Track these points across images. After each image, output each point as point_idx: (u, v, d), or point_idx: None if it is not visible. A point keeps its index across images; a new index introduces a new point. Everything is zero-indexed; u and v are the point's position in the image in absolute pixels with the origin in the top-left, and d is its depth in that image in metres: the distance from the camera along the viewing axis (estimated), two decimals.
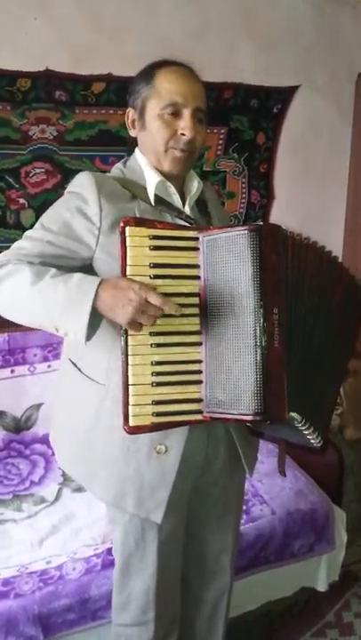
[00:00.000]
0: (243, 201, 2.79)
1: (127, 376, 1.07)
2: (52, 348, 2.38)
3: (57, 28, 2.27)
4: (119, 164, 1.32)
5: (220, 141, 2.66)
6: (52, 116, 2.36)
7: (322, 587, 2.00)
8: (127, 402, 1.07)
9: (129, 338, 1.06)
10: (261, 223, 1.11)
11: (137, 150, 1.30)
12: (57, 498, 1.97)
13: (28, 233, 1.20)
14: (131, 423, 1.07)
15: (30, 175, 2.38)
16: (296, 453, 2.17)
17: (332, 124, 2.89)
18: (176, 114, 1.19)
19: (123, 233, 1.06)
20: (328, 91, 2.83)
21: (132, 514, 1.28)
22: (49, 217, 1.21)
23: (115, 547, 1.41)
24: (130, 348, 1.06)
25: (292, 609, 2.02)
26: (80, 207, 1.17)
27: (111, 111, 2.44)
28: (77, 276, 1.09)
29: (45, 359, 2.36)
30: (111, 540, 1.72)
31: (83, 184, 1.19)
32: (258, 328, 1.06)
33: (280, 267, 1.10)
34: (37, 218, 2.43)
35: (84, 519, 1.84)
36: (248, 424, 1.21)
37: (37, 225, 1.21)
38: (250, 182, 2.80)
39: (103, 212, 1.15)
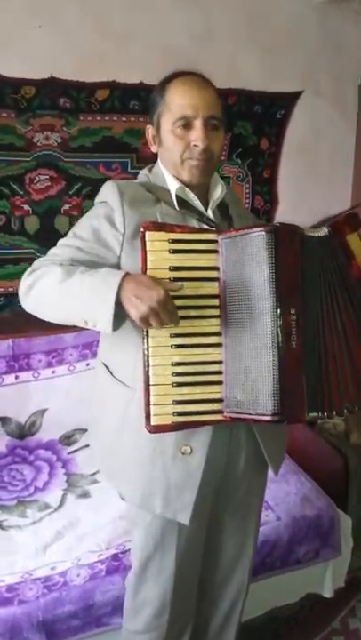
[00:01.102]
0: (246, 206, 2.80)
1: (148, 376, 1.10)
2: (56, 354, 2.38)
3: (61, 36, 2.29)
4: (145, 170, 1.36)
5: (224, 147, 2.67)
6: (56, 122, 2.37)
7: (328, 593, 1.98)
8: (148, 401, 1.10)
9: (150, 339, 1.09)
10: (278, 224, 1.11)
11: (159, 160, 1.33)
12: (61, 504, 1.96)
13: (61, 241, 1.27)
14: (152, 422, 1.10)
15: (34, 182, 2.39)
16: (301, 459, 2.16)
17: (335, 129, 2.89)
18: (188, 126, 1.21)
19: (143, 238, 1.09)
20: (331, 96, 2.83)
21: (155, 516, 1.29)
22: (80, 225, 1.26)
23: (133, 549, 1.42)
24: (150, 350, 1.10)
25: (297, 615, 2.00)
26: (107, 214, 1.21)
27: (115, 118, 2.45)
28: (104, 269, 1.13)
29: (49, 365, 2.37)
30: (116, 545, 1.73)
31: (107, 193, 1.24)
32: (275, 329, 1.07)
33: (297, 267, 1.11)
34: (41, 224, 2.48)
35: (89, 525, 1.84)
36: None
37: (70, 233, 1.26)
38: (253, 188, 2.80)
39: (126, 218, 1.19)
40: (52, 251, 1.25)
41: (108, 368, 1.33)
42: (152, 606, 1.39)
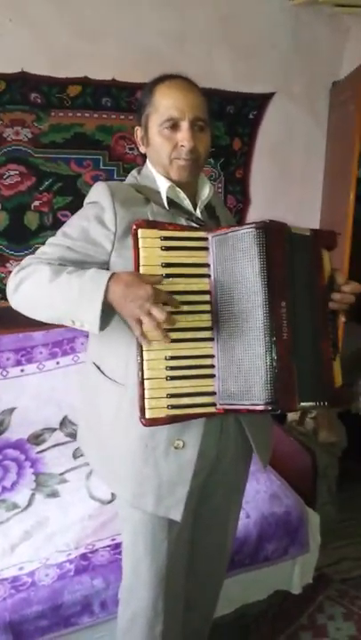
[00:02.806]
0: None
1: (142, 371, 1.12)
2: (25, 352, 2.36)
3: (33, 31, 2.27)
4: (134, 172, 1.37)
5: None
6: (26, 118, 2.35)
7: (296, 590, 2.00)
8: (143, 395, 1.12)
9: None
10: (268, 220, 1.14)
11: (148, 161, 1.35)
12: (29, 503, 1.94)
13: (50, 240, 1.27)
14: (147, 415, 1.12)
15: (4, 177, 2.36)
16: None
17: (307, 131, 2.92)
18: (175, 127, 1.24)
19: (135, 235, 1.11)
20: (303, 98, 2.86)
21: (145, 514, 1.29)
22: (70, 225, 1.27)
23: (124, 552, 1.41)
24: (144, 344, 1.11)
25: (266, 612, 2.02)
26: (97, 215, 1.22)
27: (87, 114, 2.44)
28: (91, 270, 1.14)
29: (18, 363, 2.34)
30: (85, 545, 1.72)
31: (98, 193, 1.25)
32: (266, 322, 1.10)
33: (286, 262, 1.14)
34: (11, 220, 2.45)
35: (58, 525, 1.82)
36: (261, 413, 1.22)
37: (59, 232, 1.27)
38: (226, 187, 2.82)
39: (118, 217, 1.20)
40: (42, 249, 1.25)
41: (98, 367, 1.34)
42: (145, 617, 1.38)
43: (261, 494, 1.95)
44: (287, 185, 2.95)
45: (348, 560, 2.32)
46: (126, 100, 2.47)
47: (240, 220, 2.85)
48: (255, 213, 2.88)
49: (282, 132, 2.87)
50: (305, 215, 2.98)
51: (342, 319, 1.27)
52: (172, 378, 1.13)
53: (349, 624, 2.00)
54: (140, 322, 1.06)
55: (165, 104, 1.24)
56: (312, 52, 2.82)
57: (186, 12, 2.50)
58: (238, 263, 1.14)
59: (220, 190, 2.79)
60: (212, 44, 2.59)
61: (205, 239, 1.18)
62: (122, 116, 2.48)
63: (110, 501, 1.91)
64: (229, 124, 2.74)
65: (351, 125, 2.61)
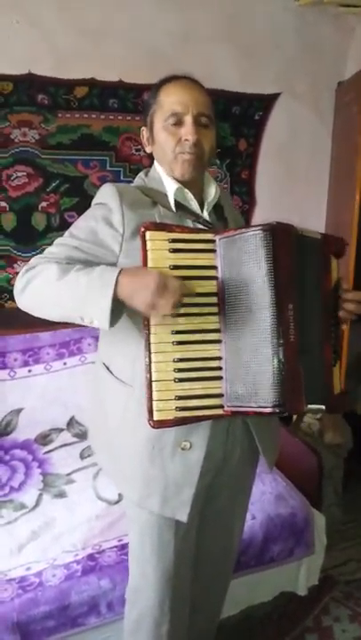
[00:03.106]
0: None
1: (150, 373, 1.12)
2: (32, 352, 2.36)
3: (40, 32, 2.27)
4: (141, 174, 1.37)
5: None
6: (34, 119, 2.36)
7: (302, 591, 2.00)
8: (151, 397, 1.12)
9: (151, 336, 1.11)
10: (275, 223, 1.14)
11: (155, 162, 1.36)
12: (37, 504, 1.95)
13: (57, 240, 1.27)
14: (155, 417, 1.12)
15: (12, 178, 2.37)
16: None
17: (312, 131, 2.92)
18: (179, 123, 1.25)
19: (143, 237, 1.12)
20: (308, 98, 2.86)
21: (152, 514, 1.30)
22: (77, 226, 1.27)
23: (130, 553, 1.42)
24: (152, 346, 1.12)
25: (271, 614, 2.02)
26: (105, 216, 1.23)
27: (94, 115, 2.44)
28: (100, 267, 1.15)
29: (26, 364, 2.35)
30: (92, 545, 1.73)
31: (106, 195, 1.25)
32: (274, 324, 1.10)
33: (292, 264, 1.14)
34: (18, 221, 2.45)
35: (65, 525, 1.83)
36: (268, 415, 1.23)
37: (67, 233, 1.27)
38: (232, 188, 2.82)
39: (125, 219, 1.20)
40: (49, 249, 1.26)
41: (107, 368, 1.35)
42: (152, 617, 1.39)
43: (267, 495, 1.96)
44: (293, 186, 2.95)
45: (354, 561, 2.32)
46: (133, 101, 2.47)
47: (246, 220, 2.85)
48: (261, 214, 2.88)
49: (287, 133, 2.87)
50: (310, 216, 2.98)
51: (344, 326, 1.27)
52: (180, 380, 1.14)
53: (355, 626, 1.99)
54: (153, 307, 1.06)
55: (170, 100, 1.25)
56: (317, 52, 2.82)
57: (191, 12, 2.50)
58: (246, 265, 1.14)
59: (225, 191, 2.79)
60: (218, 45, 2.59)
61: (213, 241, 1.18)
62: (128, 117, 2.49)
63: (117, 502, 1.91)
64: (235, 124, 2.75)
65: (355, 127, 2.61)
